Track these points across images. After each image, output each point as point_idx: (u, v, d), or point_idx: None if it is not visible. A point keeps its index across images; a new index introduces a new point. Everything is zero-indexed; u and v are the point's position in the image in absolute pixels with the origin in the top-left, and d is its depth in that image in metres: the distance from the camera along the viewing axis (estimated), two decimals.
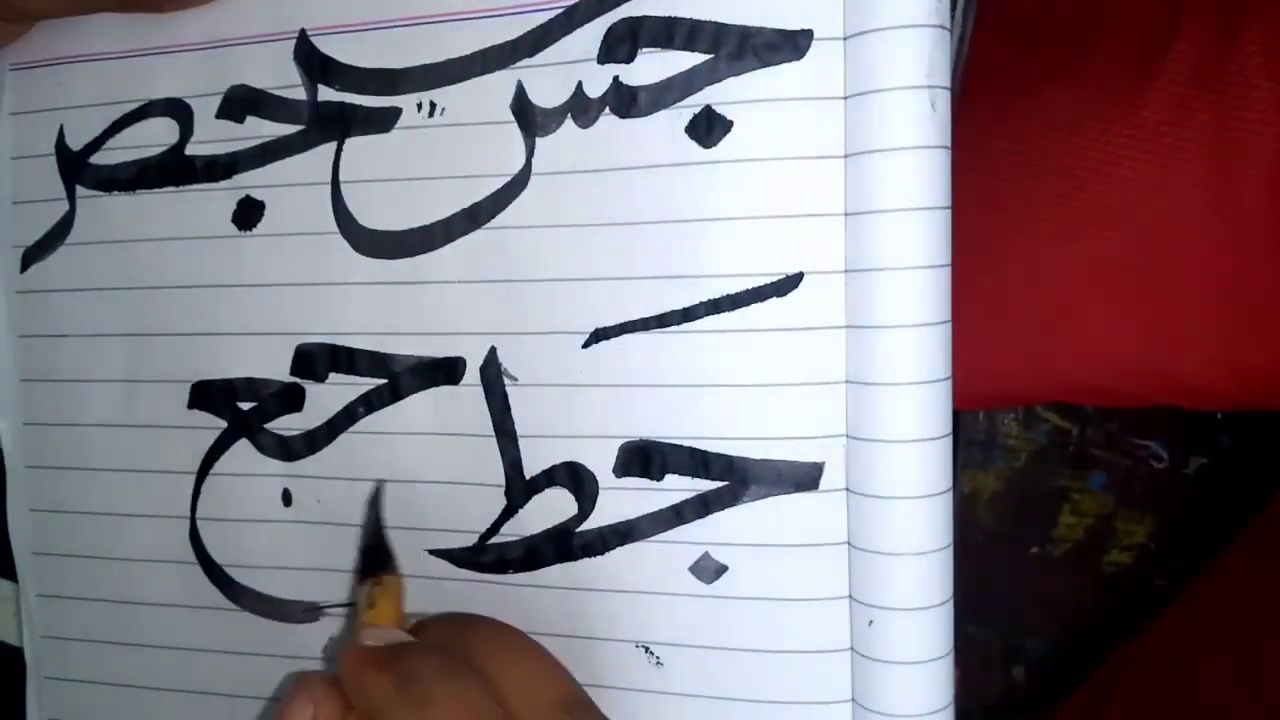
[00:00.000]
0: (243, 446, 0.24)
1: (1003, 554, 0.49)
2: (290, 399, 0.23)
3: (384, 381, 0.23)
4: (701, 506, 0.21)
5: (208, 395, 0.24)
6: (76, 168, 0.25)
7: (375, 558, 0.22)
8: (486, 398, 0.22)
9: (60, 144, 0.25)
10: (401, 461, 0.23)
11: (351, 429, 0.23)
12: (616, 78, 0.21)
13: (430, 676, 0.19)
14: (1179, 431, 0.46)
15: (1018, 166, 0.34)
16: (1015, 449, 0.47)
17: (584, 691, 0.20)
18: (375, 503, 0.23)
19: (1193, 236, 0.32)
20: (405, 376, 0.23)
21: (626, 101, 0.21)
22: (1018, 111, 0.34)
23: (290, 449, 0.24)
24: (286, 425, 0.24)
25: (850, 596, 0.21)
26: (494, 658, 0.20)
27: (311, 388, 0.23)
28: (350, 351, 0.23)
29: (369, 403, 0.23)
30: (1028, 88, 0.35)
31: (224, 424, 0.24)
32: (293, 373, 0.23)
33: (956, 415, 0.21)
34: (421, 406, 0.23)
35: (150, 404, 0.25)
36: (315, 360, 0.23)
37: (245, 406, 0.24)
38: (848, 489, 0.20)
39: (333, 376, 0.23)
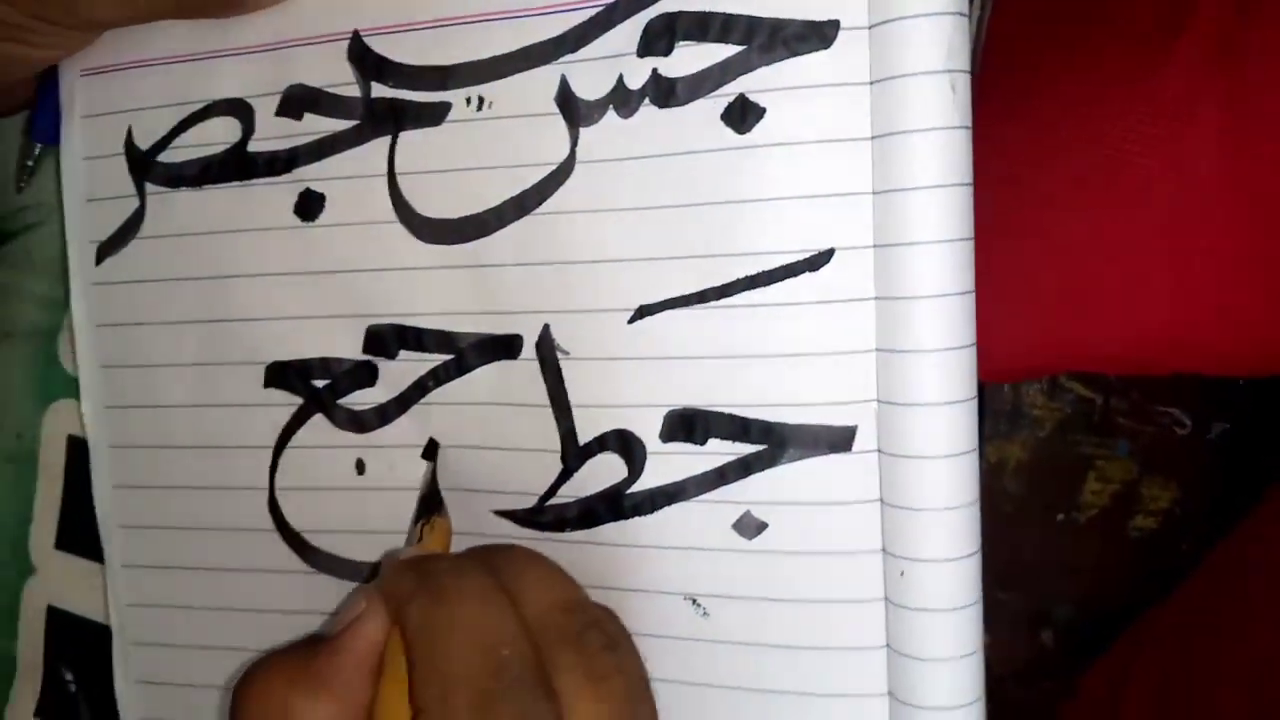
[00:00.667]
0: (318, 421, 0.26)
1: (1030, 522, 0.50)
2: (363, 375, 0.25)
3: (450, 357, 0.24)
4: (742, 468, 0.23)
5: (283, 375, 0.26)
6: (145, 166, 0.27)
7: (430, 504, 0.24)
8: (542, 371, 0.24)
9: (129, 144, 0.27)
10: (467, 430, 0.25)
11: (421, 401, 0.25)
12: (655, 70, 0.22)
13: (446, 572, 0.21)
14: (1201, 398, 0.47)
15: (1038, 147, 0.35)
16: (1040, 419, 0.49)
17: (592, 602, 0.22)
18: (431, 455, 0.25)
19: (1209, 211, 0.33)
20: (469, 352, 0.24)
21: (665, 92, 0.22)
22: (1036, 94, 0.35)
23: (363, 422, 0.25)
24: (359, 400, 0.25)
25: (883, 550, 0.22)
26: (509, 566, 0.22)
27: (383, 364, 0.25)
28: (418, 331, 0.25)
29: (437, 377, 0.25)
30: (1045, 70, 0.36)
31: (299, 400, 0.26)
32: (365, 351, 0.25)
33: (981, 386, 0.22)
34: (484, 380, 0.24)
35: (227, 384, 0.26)
36: (386, 339, 0.25)
37: (319, 384, 0.26)
38: (879, 450, 0.22)
39: (402, 354, 0.25)
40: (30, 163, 0.30)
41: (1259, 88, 0.33)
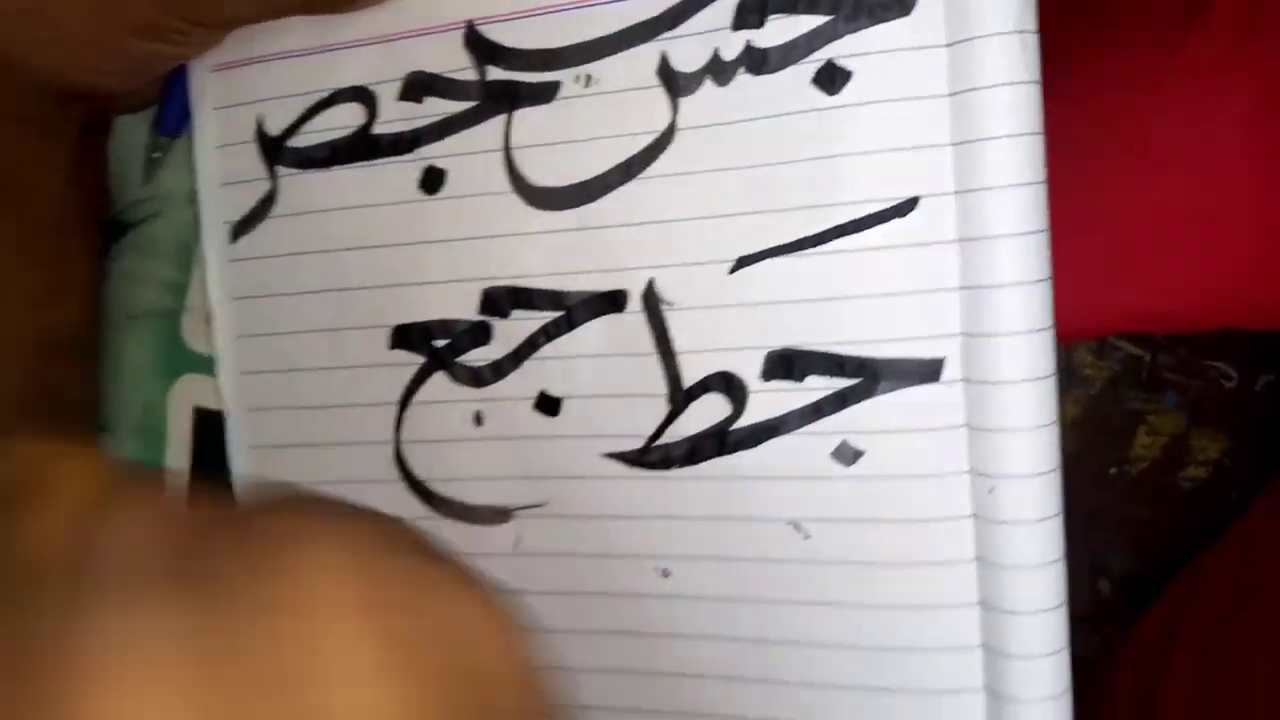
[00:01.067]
0: (439, 378, 0.28)
1: (1084, 476, 0.52)
2: (479, 335, 0.28)
3: (560, 314, 0.27)
4: (839, 401, 0.25)
5: (407, 336, 0.28)
6: (276, 151, 0.29)
7: None
8: (648, 321, 0.26)
9: (260, 132, 0.30)
10: (578, 380, 0.27)
11: (534, 356, 0.27)
12: (749, 41, 0.25)
13: None
14: (1246, 352, 0.49)
15: (1076, 125, 0.37)
16: (1091, 377, 0.50)
17: None
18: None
19: (1239, 176, 0.35)
20: (578, 308, 0.27)
21: (758, 61, 0.24)
22: (1070, 70, 0.37)
23: (480, 377, 0.28)
24: (477, 357, 0.28)
25: (971, 470, 0.24)
26: None
27: (498, 323, 0.27)
28: (530, 291, 0.27)
29: (548, 333, 0.27)
30: (1078, 52, 0.38)
31: (421, 360, 0.28)
32: (481, 312, 0.28)
33: None
34: (594, 333, 0.27)
35: (355, 348, 0.29)
36: (500, 300, 0.27)
37: (440, 344, 0.28)
38: (965, 379, 0.24)
39: (515, 313, 0.27)
40: (157, 155, 0.33)
41: None
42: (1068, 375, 0.50)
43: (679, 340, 0.26)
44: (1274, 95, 0.35)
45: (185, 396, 0.35)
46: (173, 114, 0.32)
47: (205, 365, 0.34)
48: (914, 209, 0.24)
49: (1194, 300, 0.41)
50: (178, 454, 0.35)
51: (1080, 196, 0.37)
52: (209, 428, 0.34)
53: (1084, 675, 0.25)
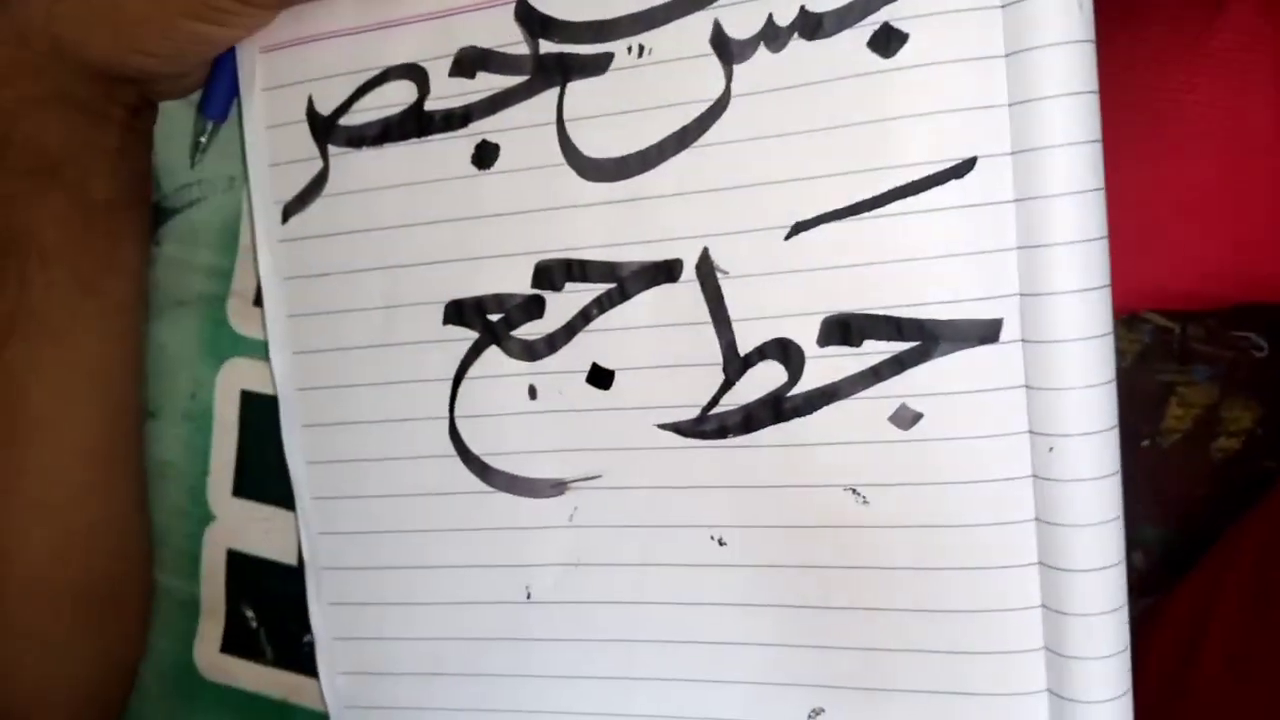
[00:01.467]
0: (492, 353, 0.28)
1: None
2: (533, 308, 0.28)
3: (613, 285, 0.27)
4: (897, 365, 0.25)
5: (460, 312, 0.29)
6: (327, 130, 0.30)
7: None
8: (703, 290, 0.26)
9: (310, 111, 0.30)
10: (632, 352, 0.27)
11: (587, 329, 0.27)
12: (803, 6, 0.25)
13: None
14: (1277, 321, 0.49)
15: (1103, 102, 0.37)
16: (1121, 350, 0.50)
17: None
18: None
19: (1265, 155, 0.35)
20: (631, 279, 0.27)
21: (813, 26, 0.25)
22: (1098, 55, 0.37)
23: (534, 351, 0.28)
24: (530, 331, 0.28)
25: (1030, 430, 0.24)
26: None
27: (551, 296, 0.28)
28: (583, 263, 0.27)
29: (601, 305, 0.27)
30: (1104, 30, 0.38)
31: (475, 335, 0.28)
32: (533, 285, 0.28)
33: None
34: (647, 304, 0.27)
35: (408, 324, 0.29)
36: (553, 273, 0.28)
37: (494, 318, 0.28)
38: (1023, 339, 0.24)
39: (568, 286, 0.27)
40: (203, 139, 0.33)
41: None
42: None
43: (734, 308, 0.26)
44: None
45: (232, 380, 0.35)
46: (219, 97, 0.32)
47: (252, 348, 0.34)
48: (971, 170, 0.24)
49: (1219, 279, 0.41)
50: (225, 437, 0.35)
51: (1107, 175, 0.37)
52: (256, 411, 0.34)
53: None
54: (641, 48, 0.26)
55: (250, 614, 0.36)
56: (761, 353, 0.26)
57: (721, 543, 0.27)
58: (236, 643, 0.36)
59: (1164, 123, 0.37)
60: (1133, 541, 0.50)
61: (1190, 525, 0.51)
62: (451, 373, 0.29)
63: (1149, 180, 0.38)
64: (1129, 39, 0.38)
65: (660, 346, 0.27)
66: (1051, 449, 0.24)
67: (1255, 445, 0.50)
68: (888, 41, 0.24)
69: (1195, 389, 0.51)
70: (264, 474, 0.34)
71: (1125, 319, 0.51)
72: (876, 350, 0.25)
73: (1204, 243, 0.38)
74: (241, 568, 0.36)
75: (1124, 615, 0.25)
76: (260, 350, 0.33)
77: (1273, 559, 0.44)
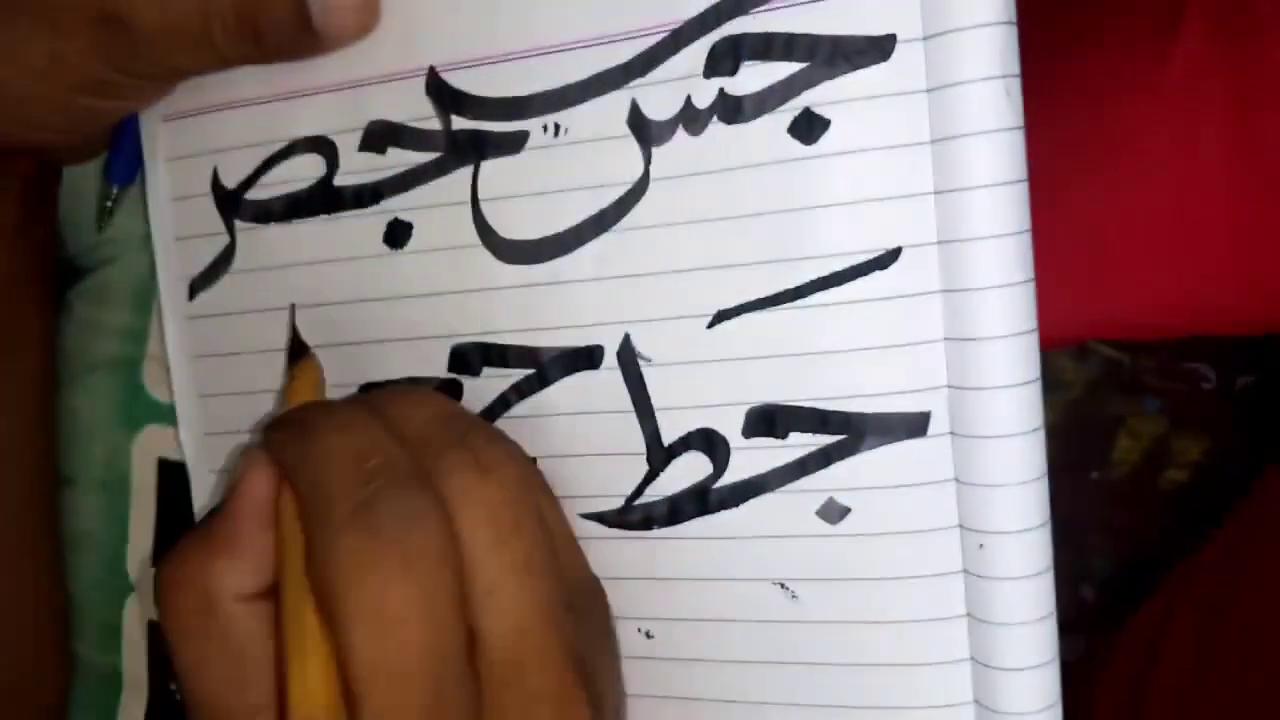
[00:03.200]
0: None
1: (1065, 481, 0.52)
2: (449, 393, 0.27)
3: (532, 371, 0.26)
4: (823, 458, 0.24)
5: None
6: (233, 204, 0.28)
7: (295, 353, 0.26)
8: (624, 378, 0.25)
9: (216, 184, 0.28)
10: (552, 439, 0.26)
11: (506, 414, 0.26)
12: (722, 89, 0.24)
13: (313, 410, 0.23)
14: (1225, 354, 0.49)
15: (1054, 130, 0.37)
16: (1070, 381, 0.50)
17: (472, 413, 0.25)
18: (291, 317, 0.27)
19: (1220, 183, 0.35)
20: (551, 365, 0.26)
21: (732, 109, 0.24)
22: (1049, 79, 0.36)
23: None
24: None
25: (960, 525, 0.24)
26: (383, 395, 0.24)
27: (468, 381, 0.27)
28: (501, 348, 0.26)
29: (520, 390, 0.26)
30: (1059, 55, 0.37)
31: None
32: (450, 370, 0.27)
33: None
34: (567, 391, 0.26)
35: None
36: (469, 357, 0.26)
37: None
38: (952, 432, 0.23)
39: (486, 370, 0.26)
40: (109, 204, 0.32)
41: (1259, 63, 0.34)
42: (1046, 379, 0.49)
43: (657, 397, 0.25)
44: (1251, 104, 0.35)
45: (149, 448, 0.34)
46: (123, 162, 0.31)
47: (169, 415, 0.33)
48: (896, 260, 0.23)
49: (1171, 309, 0.40)
50: (143, 506, 0.34)
51: (1056, 204, 0.37)
52: (175, 479, 0.33)
53: (1069, 681, 0.25)
54: (558, 126, 0.25)
55: (174, 687, 0.35)
56: (686, 443, 0.25)
57: (649, 635, 0.26)
58: (161, 717, 0.35)
59: (1116, 152, 0.37)
60: (1083, 575, 0.50)
61: (1139, 557, 0.51)
62: None
63: (1101, 209, 0.37)
64: (1081, 68, 0.37)
65: (583, 435, 0.26)
66: (982, 545, 0.23)
67: (1204, 478, 0.51)
68: (809, 127, 0.23)
69: (1145, 421, 0.51)
70: None
71: (1075, 350, 0.51)
72: (803, 443, 0.24)
73: (1156, 273, 0.38)
74: (164, 640, 0.34)
75: (1057, 713, 0.24)
76: (176, 418, 0.31)
77: (1222, 593, 0.44)
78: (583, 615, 0.23)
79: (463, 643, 0.21)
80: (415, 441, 0.22)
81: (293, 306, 0.28)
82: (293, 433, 0.22)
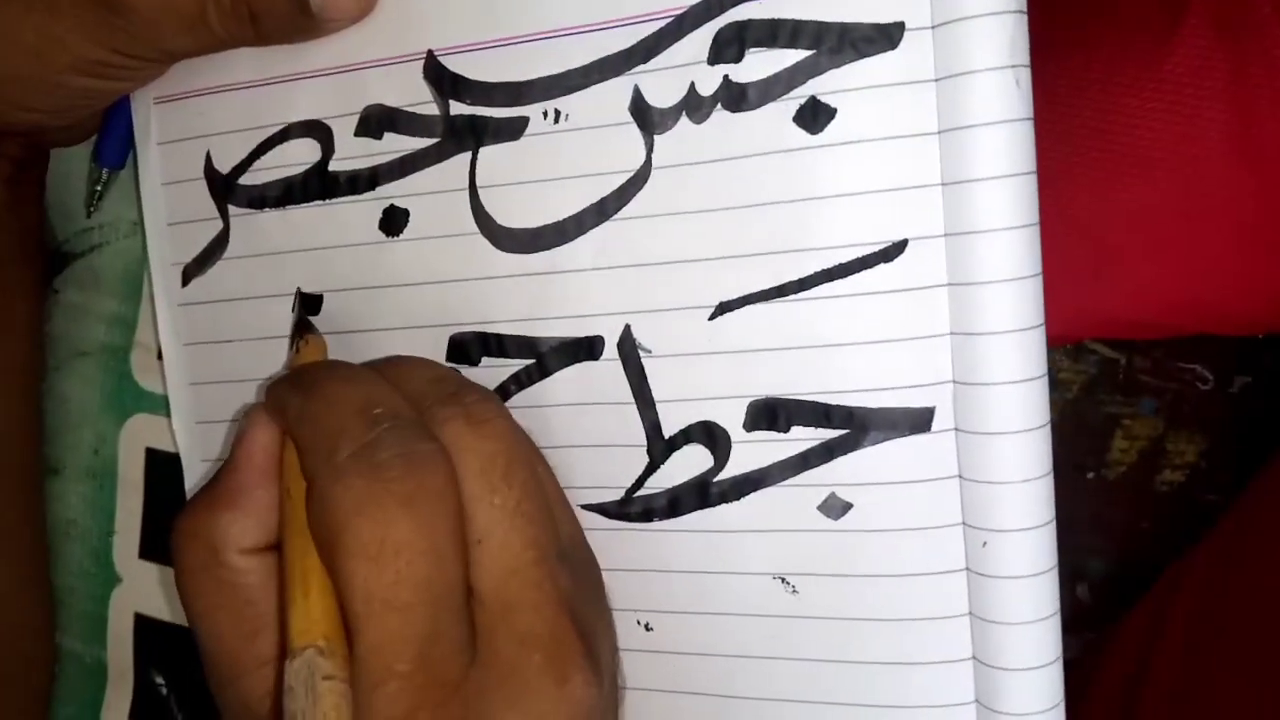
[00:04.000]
0: None
1: (1061, 481, 0.51)
2: None
3: (531, 361, 0.25)
4: (826, 453, 0.24)
5: None
6: (227, 189, 0.28)
7: (300, 330, 0.26)
8: (625, 369, 0.25)
9: (209, 168, 0.28)
10: (552, 430, 0.26)
11: (505, 405, 0.26)
12: (726, 76, 0.23)
13: (317, 368, 0.23)
14: (1222, 354, 0.49)
15: (1055, 125, 0.36)
16: (1067, 381, 0.50)
17: (459, 374, 0.25)
18: (296, 298, 0.27)
19: (1219, 181, 0.35)
20: (550, 356, 0.25)
21: (737, 97, 0.23)
22: (1050, 74, 0.36)
23: None
24: None
25: (964, 523, 0.23)
26: (383, 360, 0.25)
27: (466, 371, 0.26)
28: (500, 338, 0.26)
29: (519, 381, 0.26)
30: (1057, 51, 0.37)
31: None
32: (448, 359, 0.26)
33: None
34: (567, 381, 0.25)
35: None
36: (468, 347, 0.26)
37: None
38: (956, 428, 0.23)
39: (485, 360, 0.26)
40: (99, 188, 0.31)
41: (1260, 60, 0.34)
42: None
43: (658, 389, 0.25)
44: (1253, 99, 0.35)
45: (137, 437, 0.33)
46: (114, 145, 0.30)
47: (157, 404, 0.32)
48: (902, 253, 0.23)
49: (1170, 308, 0.40)
50: (130, 496, 0.34)
51: (1056, 199, 0.37)
52: (163, 470, 0.33)
53: (1065, 681, 0.24)
54: (558, 113, 0.25)
55: (160, 681, 0.34)
56: (687, 435, 0.25)
57: (648, 628, 0.26)
58: (146, 711, 0.34)
59: (1116, 147, 0.36)
60: (1077, 575, 0.50)
61: (1134, 558, 0.51)
62: None
63: (1100, 206, 0.37)
64: (1081, 61, 0.37)
65: (583, 426, 0.26)
66: (985, 544, 0.23)
67: (1199, 479, 0.50)
68: (814, 116, 0.23)
69: (1141, 421, 0.51)
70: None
71: (1071, 349, 0.51)
72: (805, 436, 0.24)
73: (1156, 271, 0.37)
74: (150, 632, 0.34)
75: (1060, 713, 0.24)
76: (165, 407, 0.31)
77: (1217, 594, 0.44)
78: (576, 570, 0.23)
79: (462, 581, 0.21)
80: (413, 398, 0.22)
81: (298, 290, 0.27)
82: (296, 386, 0.23)
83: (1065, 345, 0.49)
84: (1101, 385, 0.50)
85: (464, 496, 0.21)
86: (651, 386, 0.25)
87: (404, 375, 0.23)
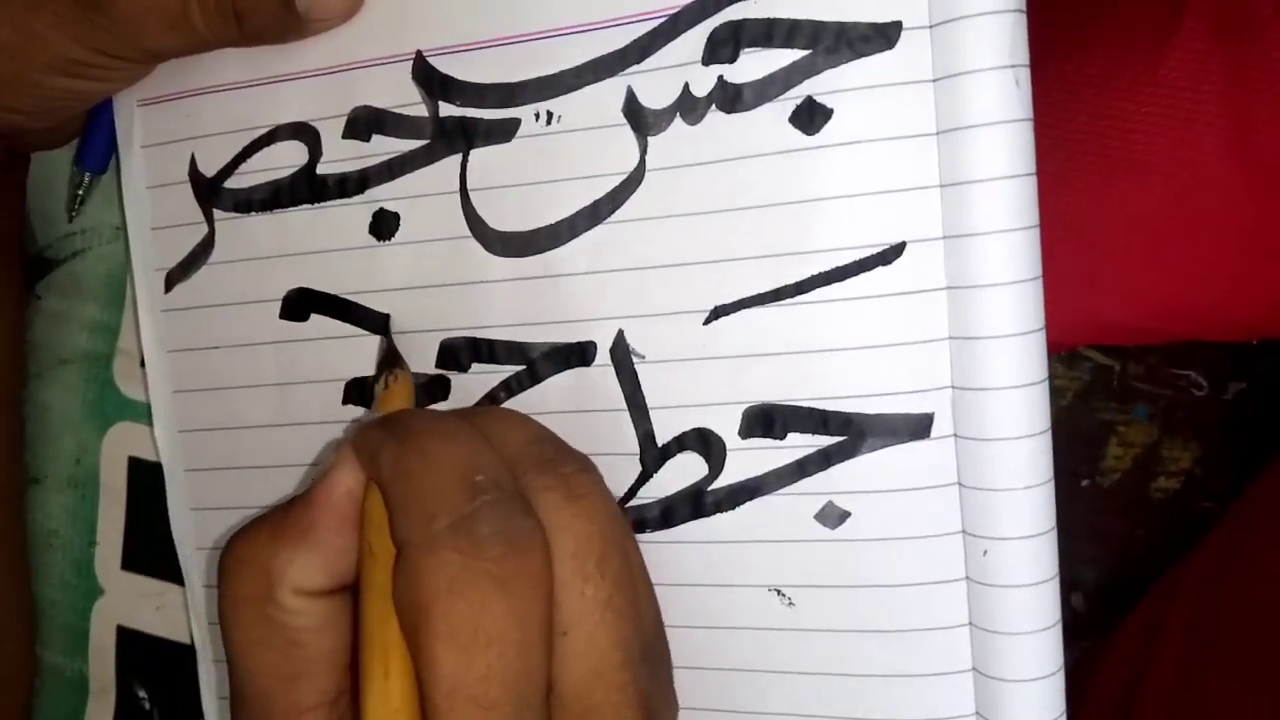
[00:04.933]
0: None
1: (1055, 489, 0.51)
2: (436, 389, 0.26)
3: (523, 367, 0.25)
4: (823, 460, 0.23)
5: (361, 391, 0.26)
6: (212, 192, 0.27)
7: (388, 363, 0.25)
8: (617, 376, 0.24)
9: (194, 171, 0.27)
10: None
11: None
12: (721, 77, 0.23)
13: (415, 418, 0.22)
14: (1217, 360, 0.49)
15: (1049, 128, 0.36)
16: (1061, 388, 0.50)
17: (560, 439, 0.23)
18: (386, 330, 0.26)
19: (1216, 185, 0.34)
20: (542, 362, 0.25)
21: (732, 98, 0.23)
22: (1044, 76, 0.36)
23: None
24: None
25: (964, 531, 0.23)
26: (481, 412, 0.23)
27: (456, 378, 0.26)
28: (490, 343, 0.25)
29: (509, 387, 0.25)
30: (1052, 52, 0.36)
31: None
32: (437, 366, 0.26)
33: None
34: (558, 388, 0.25)
35: (305, 403, 0.27)
36: (459, 353, 0.25)
37: None
38: (955, 435, 0.23)
39: (475, 366, 0.25)
40: (80, 192, 0.31)
41: (1258, 63, 0.34)
42: None
43: (651, 396, 0.24)
44: (1251, 103, 0.34)
45: (119, 446, 0.33)
46: (96, 148, 0.29)
47: (139, 413, 0.32)
48: (900, 255, 0.22)
49: (1165, 314, 0.40)
50: (112, 507, 0.33)
51: (1050, 204, 0.36)
52: (145, 480, 0.32)
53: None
54: (550, 114, 0.24)
55: (143, 694, 0.34)
56: (680, 443, 0.24)
57: None
58: None
59: (1112, 151, 0.36)
60: (1072, 583, 0.49)
61: (1129, 566, 0.50)
62: None
63: (1095, 210, 0.37)
64: (1078, 63, 0.36)
65: (574, 434, 0.25)
66: (986, 552, 0.23)
67: (1194, 486, 0.50)
68: (811, 117, 0.22)
69: (1135, 428, 0.50)
70: (155, 547, 0.32)
71: (1066, 356, 0.51)
72: (802, 444, 0.23)
73: (1151, 276, 0.37)
74: (133, 645, 0.33)
75: None
76: (148, 415, 0.30)
77: (1212, 603, 0.43)
78: (656, 667, 0.22)
79: (545, 677, 0.20)
80: (511, 459, 0.21)
81: (387, 317, 0.26)
82: (393, 434, 0.21)
83: (1059, 352, 0.49)
84: (1096, 392, 0.50)
85: (555, 581, 0.20)
86: (645, 393, 0.24)
87: (504, 434, 0.22)
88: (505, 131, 0.24)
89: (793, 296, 0.23)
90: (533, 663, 0.19)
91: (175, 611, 0.32)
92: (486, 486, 0.20)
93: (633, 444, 0.25)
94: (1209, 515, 0.48)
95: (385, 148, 0.25)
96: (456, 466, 0.20)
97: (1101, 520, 0.49)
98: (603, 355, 0.24)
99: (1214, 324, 0.41)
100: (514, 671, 0.19)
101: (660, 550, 0.25)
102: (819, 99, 0.22)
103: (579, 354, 0.25)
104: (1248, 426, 0.49)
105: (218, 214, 0.27)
